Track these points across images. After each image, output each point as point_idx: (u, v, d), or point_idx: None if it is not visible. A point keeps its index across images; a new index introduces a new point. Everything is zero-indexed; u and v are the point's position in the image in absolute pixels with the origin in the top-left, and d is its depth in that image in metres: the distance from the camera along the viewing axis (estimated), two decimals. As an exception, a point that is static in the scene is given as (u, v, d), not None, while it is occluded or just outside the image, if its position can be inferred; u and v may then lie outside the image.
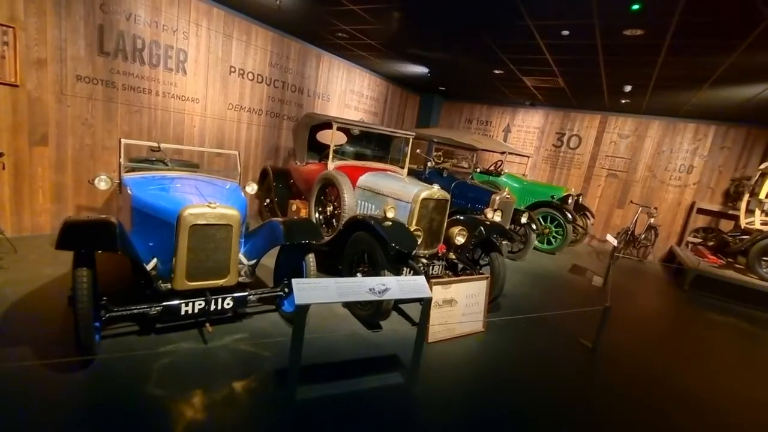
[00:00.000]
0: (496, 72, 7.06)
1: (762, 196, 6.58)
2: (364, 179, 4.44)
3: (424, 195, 3.86)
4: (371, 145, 5.93)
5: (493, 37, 5.26)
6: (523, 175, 8.98)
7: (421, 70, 7.86)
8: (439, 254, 4.14)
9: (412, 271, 3.72)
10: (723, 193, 8.29)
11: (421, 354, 2.82)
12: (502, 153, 8.22)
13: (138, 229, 3.01)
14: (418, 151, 6.74)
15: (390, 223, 3.49)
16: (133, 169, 3.67)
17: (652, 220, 8.33)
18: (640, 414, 2.92)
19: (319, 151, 5.65)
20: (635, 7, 3.61)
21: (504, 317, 4.18)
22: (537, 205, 7.63)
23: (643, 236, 8.37)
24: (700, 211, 8.45)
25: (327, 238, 4.21)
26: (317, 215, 4.65)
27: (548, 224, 7.65)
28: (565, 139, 9.86)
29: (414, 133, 5.26)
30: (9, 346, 2.55)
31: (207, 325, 2.93)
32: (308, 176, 4.99)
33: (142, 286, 2.76)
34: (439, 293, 3.53)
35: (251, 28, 6.06)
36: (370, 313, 3.46)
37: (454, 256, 4.20)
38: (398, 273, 3.63)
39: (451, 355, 3.33)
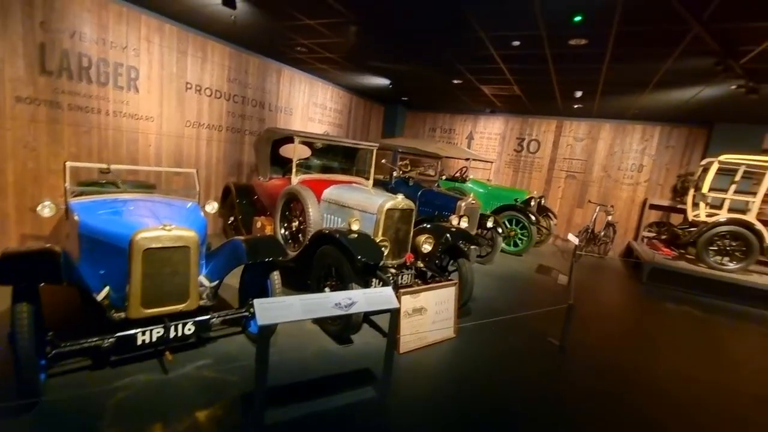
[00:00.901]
0: (455, 82, 7.26)
1: (705, 189, 7.06)
2: (328, 192, 4.41)
3: (388, 205, 3.87)
4: (336, 157, 5.91)
5: (449, 49, 5.41)
6: (488, 180, 9.23)
7: (382, 81, 7.97)
8: (408, 263, 4.15)
9: (381, 283, 3.71)
10: (671, 188, 8.84)
11: (393, 366, 2.80)
12: (467, 159, 8.41)
13: (87, 257, 2.84)
14: (383, 161, 6.79)
15: (355, 236, 3.48)
16: (81, 194, 3.47)
17: (609, 217, 8.76)
18: (609, 406, 3.01)
19: (283, 165, 5.57)
20: (577, 18, 3.83)
21: (474, 321, 4.23)
22: (502, 208, 7.83)
23: (602, 233, 8.76)
24: (653, 206, 8.97)
25: (293, 254, 4.14)
26: (283, 231, 4.57)
27: (514, 227, 7.87)
28: (525, 143, 10.24)
29: (377, 144, 5.30)
30: (-61, 395, 2.32)
31: (167, 353, 2.79)
32: (272, 192, 4.91)
33: (93, 318, 2.59)
34: (408, 303, 3.54)
35: (207, 43, 5.95)
36: (340, 327, 3.41)
37: (422, 265, 4.23)
38: (367, 285, 3.60)
39: (423, 365, 3.32)
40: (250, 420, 2.35)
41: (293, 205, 4.46)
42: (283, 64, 7.31)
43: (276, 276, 3.15)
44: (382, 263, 3.75)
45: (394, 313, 2.76)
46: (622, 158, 9.24)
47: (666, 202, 8.79)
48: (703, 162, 7.44)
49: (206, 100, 6.12)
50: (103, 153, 4.94)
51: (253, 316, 3.26)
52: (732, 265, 6.62)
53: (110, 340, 2.52)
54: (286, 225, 4.56)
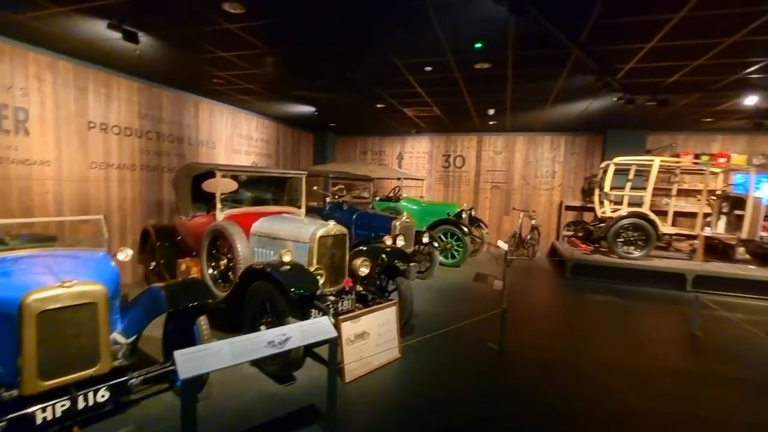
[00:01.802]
0: (379, 106, 7.52)
1: (606, 188, 7.95)
2: (258, 225, 4.26)
3: (320, 233, 3.83)
4: (266, 188, 5.75)
5: (369, 76, 5.62)
6: (421, 197, 9.56)
7: (308, 109, 8.00)
8: (347, 289, 4.10)
9: (320, 313, 3.61)
10: (581, 190, 9.84)
11: (338, 397, 2.71)
12: (398, 179, 8.66)
13: (-37, 330, 2.42)
14: (315, 188, 6.74)
15: (288, 267, 3.37)
16: (-44, 256, 2.98)
17: (533, 221, 9.47)
18: (545, 400, 3.17)
19: (207, 201, 5.29)
20: (477, 45, 4.20)
21: (418, 338, 4.26)
22: (437, 223, 8.13)
23: (529, 237, 9.44)
24: (568, 208, 9.89)
25: (223, 294, 3.89)
26: (210, 271, 4.29)
27: (449, 240, 8.18)
28: (451, 159, 10.82)
29: (305, 172, 5.26)
30: None
31: (75, 429, 2.43)
32: (196, 231, 4.62)
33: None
34: (349, 329, 3.48)
35: (111, 79, 5.55)
36: (280, 366, 3.24)
37: (361, 288, 4.20)
38: (305, 317, 3.49)
39: (371, 391, 3.26)
40: (181, 488, 2.11)
41: (220, 242, 4.23)
42: (201, 97, 7.05)
43: (203, 321, 2.93)
44: (319, 292, 3.67)
45: (333, 343, 2.70)
46: (537, 166, 10.14)
47: (578, 203, 9.75)
48: (602, 165, 8.40)
49: (114, 139, 5.66)
50: (-13, 206, 4.32)
51: (179, 369, 2.98)
52: (637, 253, 7.46)
53: (1, 424, 2.14)
54: (213, 264, 4.30)
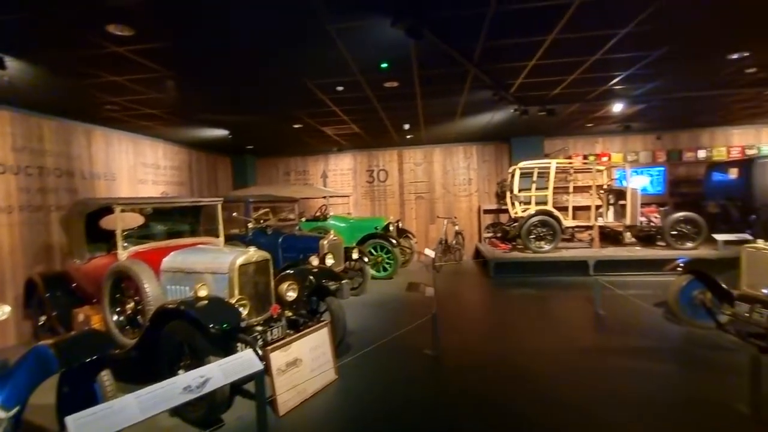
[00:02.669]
0: (296, 126, 7.46)
1: (515, 191, 8.71)
2: (169, 260, 3.91)
3: (240, 261, 3.64)
4: (179, 219, 5.32)
5: (279, 97, 5.55)
6: (348, 213, 9.58)
7: (221, 132, 7.65)
8: (275, 316, 3.93)
9: (247, 346, 3.40)
10: (495, 194, 10.65)
11: (269, 434, 2.56)
12: (324, 198, 8.61)
13: None
14: (234, 214, 6.42)
15: (205, 302, 3.14)
16: None
17: (456, 227, 10.01)
18: (480, 398, 3.32)
19: (109, 240, 4.74)
20: (384, 65, 4.40)
21: (354, 355, 4.22)
22: (366, 238, 8.19)
23: (454, 242, 9.94)
24: (486, 211, 10.62)
25: (133, 341, 3.49)
26: (116, 317, 3.83)
27: (380, 253, 8.29)
28: (375, 174, 11.06)
29: (221, 199, 4.99)
30: None
31: None
32: (95, 274, 4.10)
33: None
34: (279, 358, 3.32)
35: (-27, 109, 4.78)
36: (204, 411, 2.98)
37: (291, 313, 4.06)
38: (230, 353, 3.26)
39: (308, 421, 3.13)
40: None
41: (125, 284, 3.80)
42: (93, 125, 6.37)
43: (106, 376, 2.59)
44: (243, 324, 3.46)
45: (260, 377, 2.55)
46: (455, 175, 10.79)
47: (494, 206, 10.53)
48: (510, 170, 9.20)
49: (-18, 179, 4.85)
50: None
51: (79, 436, 2.59)
52: (547, 247, 8.23)
53: None
54: (119, 310, 3.84)
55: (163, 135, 7.60)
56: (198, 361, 3.10)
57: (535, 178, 9.03)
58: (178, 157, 8.49)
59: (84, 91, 4.77)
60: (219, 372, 2.36)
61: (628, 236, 8.72)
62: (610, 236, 8.99)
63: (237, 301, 3.47)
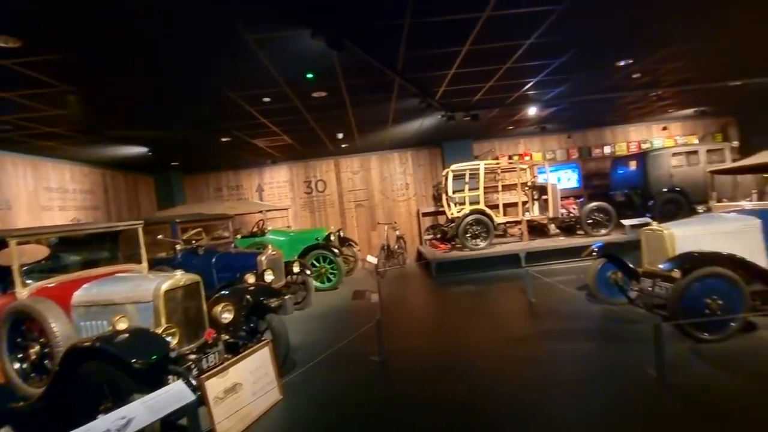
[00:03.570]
0: (224, 140, 7.14)
1: (450, 192, 9.09)
2: (81, 294, 3.52)
3: (165, 287, 3.37)
4: (94, 248, 4.80)
5: (201, 110, 5.29)
6: (288, 226, 9.34)
7: (139, 150, 7.08)
8: (210, 342, 3.70)
9: (180, 377, 3.16)
10: (432, 197, 11.03)
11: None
12: (260, 212, 8.31)
13: None
14: (160, 237, 5.97)
15: (125, 336, 2.87)
16: None
17: (397, 232, 10.19)
18: (429, 398, 3.38)
19: (6, 277, 4.15)
20: (309, 76, 4.38)
21: (300, 371, 4.10)
22: (307, 250, 8.03)
23: (396, 247, 10.10)
24: (424, 214, 10.95)
25: (40, 390, 3.08)
26: (17, 365, 3.36)
27: (323, 264, 8.16)
28: (313, 185, 10.92)
29: (141, 222, 4.61)
30: None
31: None
32: (-12, 318, 3.56)
33: None
34: (216, 386, 3.12)
35: None
36: (131, 456, 2.70)
37: (228, 336, 3.84)
38: (160, 387, 3.00)
39: (251, 447, 2.97)
40: None
41: (27, 326, 3.35)
42: (-20, 149, 5.58)
43: (4, 434, 2.26)
44: (173, 354, 3.21)
45: (192, 408, 2.38)
46: (392, 181, 11.01)
47: (432, 209, 10.90)
48: (443, 173, 9.60)
49: None
50: None
51: None
52: (482, 244, 8.68)
53: None
54: (20, 356, 3.37)
55: (70, 155, 6.86)
56: (121, 403, 2.82)
57: (467, 179, 9.49)
58: (90, 179, 7.70)
59: (-38, 110, 4.17)
60: (143, 410, 2.16)
61: (552, 228, 9.49)
62: (537, 229, 9.71)
63: (164, 330, 3.21)
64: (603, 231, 8.70)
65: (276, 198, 10.78)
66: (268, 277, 5.25)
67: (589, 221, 8.78)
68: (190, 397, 2.37)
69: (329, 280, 8.18)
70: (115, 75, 3.85)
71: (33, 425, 2.97)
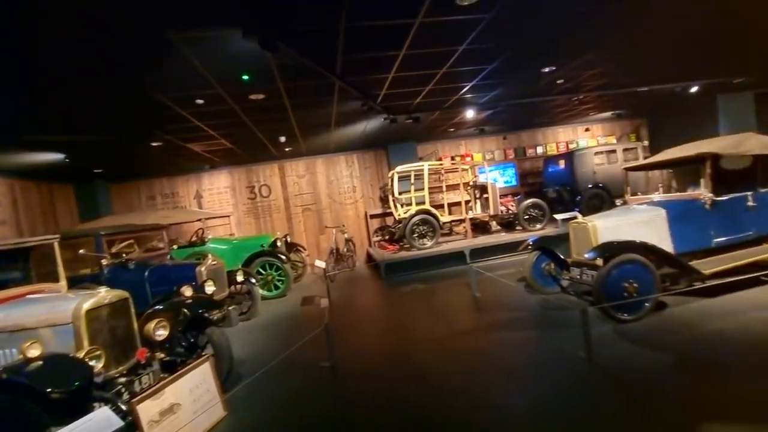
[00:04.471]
0: (155, 144, 6.67)
1: (396, 194, 9.23)
2: (-17, 321, 3.10)
3: (87, 306, 3.08)
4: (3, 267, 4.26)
5: (125, 112, 4.90)
6: (231, 234, 8.93)
7: (54, 156, 6.39)
8: (143, 362, 3.43)
9: (108, 404, 2.89)
10: (379, 198, 11.12)
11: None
12: (199, 220, 7.87)
13: None
14: (82, 251, 5.43)
15: (38, 363, 2.57)
16: None
17: (346, 235, 10.15)
18: (380, 399, 3.39)
19: None
20: (245, 77, 4.23)
21: (245, 384, 3.93)
22: (252, 258, 7.73)
23: (345, 250, 10.05)
24: (372, 216, 11.01)
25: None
26: None
27: (270, 271, 7.90)
28: (256, 190, 10.55)
29: (57, 236, 4.17)
30: None
31: None
32: None
33: None
34: (150, 408, 2.90)
35: None
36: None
37: (163, 355, 3.59)
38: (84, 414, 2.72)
39: (191, 470, 2.79)
40: None
41: None
42: None
43: None
44: (99, 379, 2.94)
45: (121, 435, 2.19)
46: (339, 184, 10.94)
47: (379, 211, 10.99)
48: (389, 174, 9.72)
49: None
50: None
51: None
52: (429, 243, 8.91)
53: None
54: None
55: (-32, 164, 6.04)
56: (37, 439, 2.53)
57: (412, 180, 9.68)
58: (-5, 191, 6.82)
59: None
60: (60, 444, 1.95)
61: (494, 224, 9.98)
62: (480, 226, 10.16)
63: (87, 354, 2.92)
64: (538, 225, 9.31)
65: (217, 205, 10.27)
66: (209, 288, 5.00)
67: (526, 217, 9.35)
68: (117, 423, 2.18)
69: (277, 287, 7.94)
70: (25, 75, 3.45)
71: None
